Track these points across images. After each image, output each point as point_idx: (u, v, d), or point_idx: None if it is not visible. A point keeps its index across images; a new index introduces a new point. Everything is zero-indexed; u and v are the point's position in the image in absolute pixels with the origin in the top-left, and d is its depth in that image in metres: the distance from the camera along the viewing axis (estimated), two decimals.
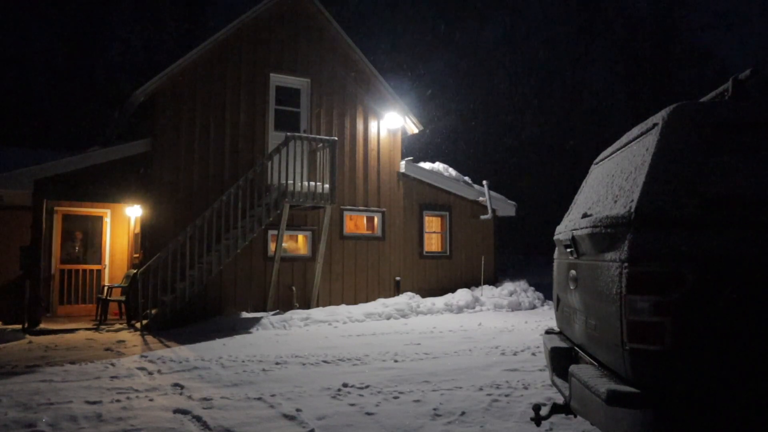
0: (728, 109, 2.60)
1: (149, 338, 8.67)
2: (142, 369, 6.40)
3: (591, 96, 32.82)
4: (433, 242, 13.57)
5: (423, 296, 12.42)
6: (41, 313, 9.94)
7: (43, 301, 10.41)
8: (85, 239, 12.13)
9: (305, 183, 10.44)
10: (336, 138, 11.13)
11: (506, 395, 5.08)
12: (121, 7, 28.65)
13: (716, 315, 2.26)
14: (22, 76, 26.60)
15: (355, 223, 12.48)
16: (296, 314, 10.14)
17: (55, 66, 27.44)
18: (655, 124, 2.69)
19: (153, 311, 9.48)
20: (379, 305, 11.25)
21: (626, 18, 32.33)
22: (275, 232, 10.79)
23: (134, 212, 11.83)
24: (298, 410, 4.63)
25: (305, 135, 10.95)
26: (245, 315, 10.04)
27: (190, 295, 9.64)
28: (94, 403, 4.95)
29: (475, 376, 5.68)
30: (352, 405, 4.80)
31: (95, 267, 12.07)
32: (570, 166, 27.96)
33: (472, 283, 13.47)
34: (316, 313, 10.31)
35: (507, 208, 14.41)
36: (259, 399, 5.06)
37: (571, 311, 3.40)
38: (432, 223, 13.56)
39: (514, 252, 27.14)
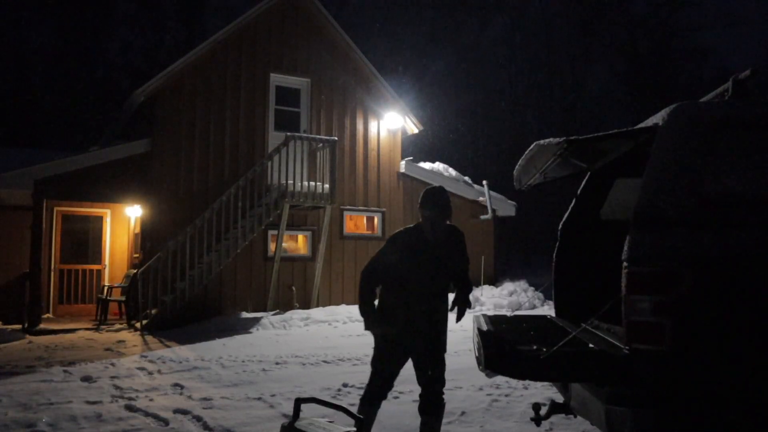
0: (728, 109, 2.60)
1: (149, 338, 8.67)
2: (142, 369, 6.40)
3: (591, 96, 32.81)
4: None
5: None
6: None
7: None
8: (85, 239, 12.12)
9: (305, 183, 10.43)
10: (336, 138, 11.13)
11: (506, 395, 5.08)
12: (121, 7, 28.66)
13: (716, 315, 2.26)
14: (22, 76, 26.59)
15: (355, 223, 12.48)
16: (296, 314, 10.14)
17: (55, 66, 27.43)
18: (655, 124, 2.69)
19: (153, 311, 9.48)
20: None
21: (626, 17, 32.31)
22: (275, 232, 10.79)
23: (134, 212, 11.82)
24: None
25: (305, 135, 10.95)
26: (245, 315, 10.03)
27: (190, 295, 9.64)
28: (94, 403, 4.95)
29: (475, 376, 5.67)
30: (353, 405, 4.80)
31: (95, 267, 12.07)
32: None
33: (472, 283, 13.46)
34: (316, 313, 10.31)
35: (507, 208, 14.40)
36: (259, 399, 5.07)
37: None
38: None
39: (514, 252, 27.13)
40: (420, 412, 3.50)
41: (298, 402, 3.28)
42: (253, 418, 4.51)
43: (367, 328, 3.57)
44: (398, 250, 3.55)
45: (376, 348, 3.67)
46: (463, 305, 3.66)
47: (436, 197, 3.53)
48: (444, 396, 3.51)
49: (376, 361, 3.67)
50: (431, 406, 3.50)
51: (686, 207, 2.37)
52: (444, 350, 3.62)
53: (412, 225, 3.67)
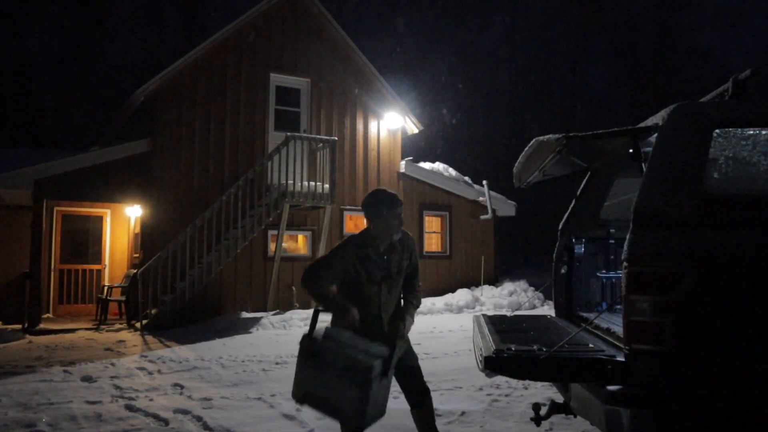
0: (728, 109, 2.60)
1: (149, 338, 8.67)
2: (142, 369, 6.40)
3: (591, 96, 32.82)
4: (433, 242, 13.56)
5: (423, 296, 12.40)
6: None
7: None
8: (85, 239, 12.12)
9: (305, 183, 10.44)
10: (336, 138, 11.13)
11: (506, 395, 5.08)
12: (121, 7, 28.66)
13: (716, 315, 2.26)
14: (22, 76, 26.60)
15: (355, 223, 12.47)
16: (296, 314, 10.14)
17: (55, 66, 27.44)
18: (655, 124, 2.68)
19: (153, 311, 9.48)
20: None
21: (626, 17, 32.32)
22: (275, 232, 10.79)
23: (134, 212, 11.83)
24: (298, 410, 4.63)
25: (305, 135, 10.96)
26: (245, 315, 10.03)
27: (190, 295, 9.64)
28: (94, 403, 4.95)
29: (475, 376, 5.67)
30: None
31: (95, 267, 12.07)
32: None
33: (472, 283, 13.46)
34: None
35: (507, 208, 14.40)
36: (259, 399, 5.07)
37: None
38: (432, 223, 13.55)
39: (514, 252, 27.13)
40: (410, 407, 3.43)
41: (317, 312, 3.15)
42: (253, 418, 4.51)
43: (335, 310, 3.07)
44: (347, 261, 3.13)
45: None
46: (403, 323, 3.24)
47: (391, 200, 3.19)
48: (425, 382, 3.38)
49: None
50: (417, 396, 3.38)
51: (686, 207, 2.37)
52: (414, 356, 3.37)
53: (359, 233, 3.26)
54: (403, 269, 3.31)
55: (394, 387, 5.50)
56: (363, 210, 3.26)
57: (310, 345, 3.02)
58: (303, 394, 3.00)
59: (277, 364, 6.67)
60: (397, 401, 4.89)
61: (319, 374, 2.92)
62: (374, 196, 3.26)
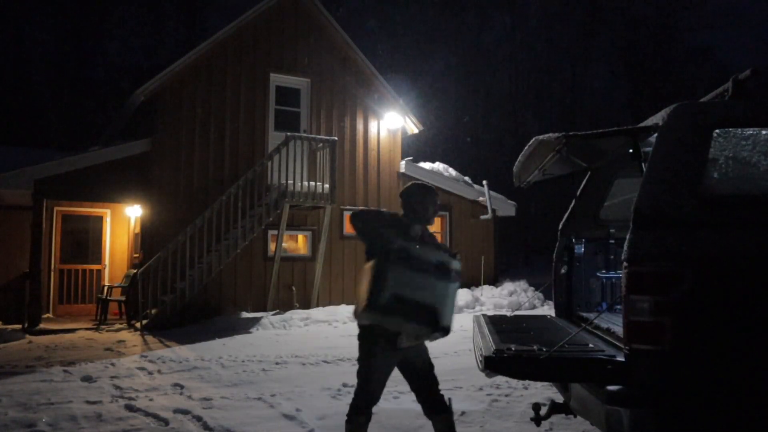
0: (728, 109, 2.60)
1: (149, 338, 8.67)
2: (142, 369, 6.41)
3: (591, 96, 32.81)
4: None
5: None
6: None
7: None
8: (85, 239, 12.11)
9: (305, 183, 10.43)
10: (336, 138, 11.13)
11: (506, 395, 5.08)
12: (121, 7, 28.65)
13: (716, 315, 2.26)
14: (22, 76, 26.59)
15: None
16: (296, 314, 10.14)
17: (55, 66, 27.44)
18: (655, 124, 2.68)
19: (153, 311, 9.48)
20: None
21: (626, 18, 32.31)
22: (275, 232, 10.78)
23: (134, 212, 11.83)
24: (298, 410, 4.64)
25: (305, 135, 10.96)
26: (245, 315, 10.03)
27: (190, 295, 9.63)
28: (94, 403, 4.95)
29: (475, 376, 5.67)
30: None
31: (95, 267, 12.07)
32: None
33: (472, 283, 13.45)
34: (316, 313, 10.31)
35: (507, 208, 14.39)
36: (259, 399, 5.07)
37: None
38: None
39: (514, 252, 27.13)
40: (427, 416, 3.35)
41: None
42: (253, 418, 4.51)
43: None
44: (386, 224, 3.17)
45: (366, 362, 3.19)
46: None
47: (431, 189, 3.27)
48: (441, 393, 3.35)
49: (365, 375, 3.18)
50: (429, 402, 3.35)
51: (686, 207, 2.37)
52: (430, 364, 3.41)
53: (392, 212, 3.31)
54: None
55: (395, 387, 5.52)
56: (402, 198, 3.30)
57: (386, 252, 3.05)
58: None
59: (277, 364, 6.67)
60: (396, 401, 4.89)
61: (404, 274, 2.93)
62: (415, 185, 3.38)
